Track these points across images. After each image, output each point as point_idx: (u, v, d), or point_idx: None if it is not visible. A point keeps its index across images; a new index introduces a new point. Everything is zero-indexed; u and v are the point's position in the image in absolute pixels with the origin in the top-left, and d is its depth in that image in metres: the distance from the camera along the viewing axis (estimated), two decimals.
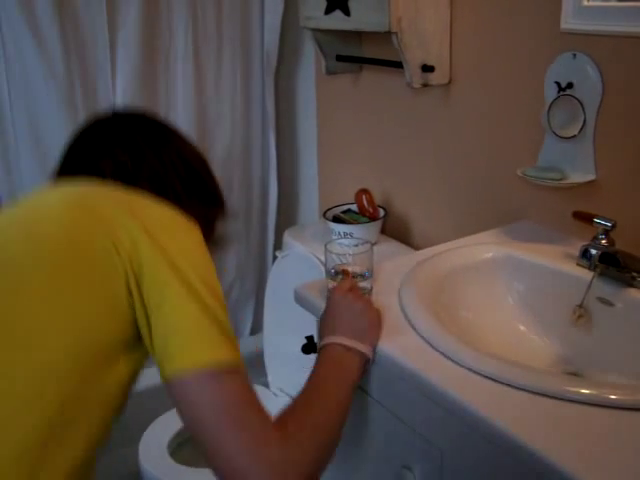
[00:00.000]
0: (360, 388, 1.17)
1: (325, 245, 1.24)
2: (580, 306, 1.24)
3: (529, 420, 0.90)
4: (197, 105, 2.18)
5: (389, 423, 1.16)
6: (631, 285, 1.19)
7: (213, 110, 2.23)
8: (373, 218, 1.97)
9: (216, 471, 0.85)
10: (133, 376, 0.95)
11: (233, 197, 2.35)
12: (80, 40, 1.95)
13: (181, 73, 2.13)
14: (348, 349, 1.07)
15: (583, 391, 0.93)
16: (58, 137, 1.97)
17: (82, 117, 1.98)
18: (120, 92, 2.03)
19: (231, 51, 2.20)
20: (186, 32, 2.09)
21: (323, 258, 1.26)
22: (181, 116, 2.16)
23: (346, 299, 1.14)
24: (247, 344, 2.47)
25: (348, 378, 1.05)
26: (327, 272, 1.24)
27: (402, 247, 1.96)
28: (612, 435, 0.87)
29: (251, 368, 2.28)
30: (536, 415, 0.91)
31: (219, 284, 0.97)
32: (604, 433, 0.87)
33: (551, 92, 1.45)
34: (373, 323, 1.12)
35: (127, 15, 1.99)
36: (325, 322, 1.14)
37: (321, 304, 1.22)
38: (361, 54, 2.01)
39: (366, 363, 1.09)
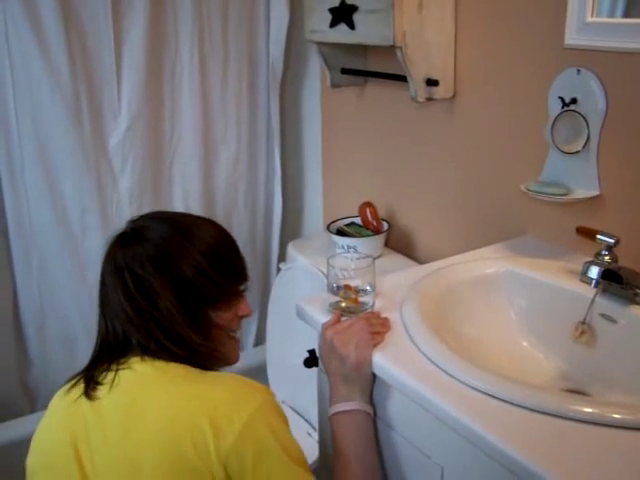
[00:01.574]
0: None
1: (327, 259, 1.24)
2: (583, 322, 1.24)
3: (531, 438, 0.90)
4: (202, 118, 2.19)
5: (389, 439, 1.16)
6: (634, 302, 1.19)
7: (218, 122, 2.23)
8: (377, 231, 1.97)
9: None
10: None
11: (238, 207, 2.36)
12: (86, 52, 1.96)
13: (187, 85, 2.14)
14: (341, 413, 1.15)
15: (586, 410, 0.92)
16: (63, 149, 1.98)
17: (87, 129, 2.00)
18: (125, 105, 2.04)
19: (237, 64, 2.21)
20: (192, 45, 2.10)
21: (326, 271, 1.26)
22: (186, 128, 2.17)
23: (327, 344, 1.17)
24: (250, 356, 2.47)
25: (364, 434, 1.15)
26: (329, 287, 1.24)
27: (405, 260, 1.96)
28: (615, 455, 0.86)
29: (254, 380, 2.27)
30: (538, 433, 0.91)
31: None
32: (607, 453, 0.87)
33: (555, 107, 1.45)
34: (356, 373, 1.14)
35: (133, 27, 2.00)
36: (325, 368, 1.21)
37: (322, 319, 1.22)
38: (366, 67, 2.02)
39: (364, 415, 1.15)
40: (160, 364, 1.09)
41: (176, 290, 1.11)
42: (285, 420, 1.08)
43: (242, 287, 1.22)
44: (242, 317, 1.23)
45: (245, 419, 1.01)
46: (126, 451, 1.02)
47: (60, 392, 1.15)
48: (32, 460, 1.14)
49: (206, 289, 1.14)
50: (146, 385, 1.08)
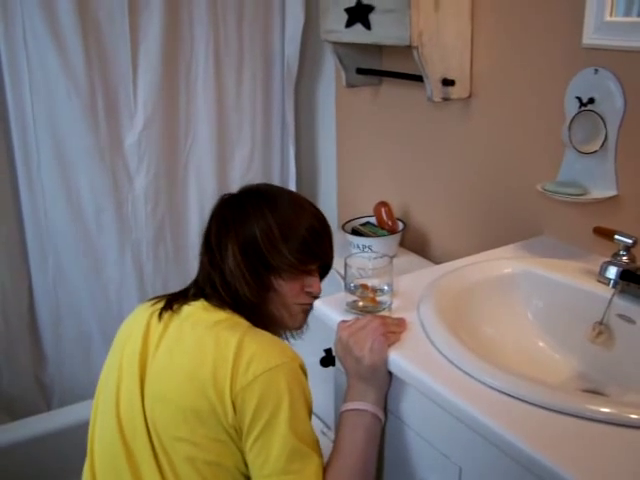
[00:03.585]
0: None
1: (345, 259, 1.24)
2: (600, 323, 1.24)
3: (549, 438, 0.89)
4: (218, 117, 2.19)
5: (407, 438, 1.16)
6: None
7: (234, 122, 2.24)
8: (392, 231, 1.97)
9: None
10: None
11: None
12: (102, 52, 1.97)
13: (202, 86, 2.14)
14: (352, 412, 1.16)
15: (604, 410, 0.92)
16: (79, 148, 1.99)
17: (103, 129, 2.01)
18: (141, 105, 2.05)
19: (252, 63, 2.22)
20: (207, 45, 2.11)
21: (342, 271, 1.27)
22: (202, 128, 2.18)
23: (342, 344, 1.18)
24: None
25: (371, 439, 1.15)
26: (347, 286, 1.24)
27: (421, 260, 1.96)
28: (633, 455, 0.86)
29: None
30: (556, 433, 0.90)
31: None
32: (625, 453, 0.86)
33: (572, 107, 1.45)
34: (371, 374, 1.14)
35: (149, 28, 2.00)
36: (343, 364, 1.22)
37: (339, 318, 1.23)
38: (381, 67, 2.02)
39: (373, 418, 1.15)
40: (209, 306, 1.24)
41: (243, 249, 1.24)
42: (305, 395, 1.14)
43: (313, 267, 1.32)
44: (309, 293, 1.32)
45: (259, 372, 1.09)
46: (169, 364, 1.18)
47: (147, 303, 1.33)
48: (119, 332, 1.33)
49: (269, 256, 1.25)
50: (193, 320, 1.22)
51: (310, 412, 1.15)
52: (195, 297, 1.27)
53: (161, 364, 1.20)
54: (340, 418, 1.17)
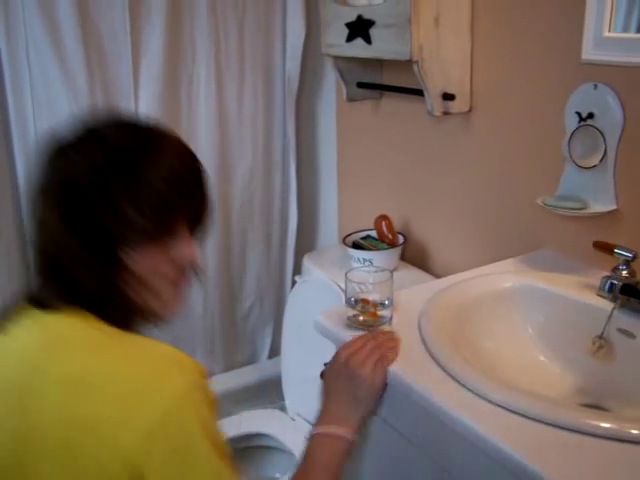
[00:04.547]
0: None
1: (345, 273, 1.25)
2: (600, 337, 1.24)
3: (549, 452, 0.90)
4: (219, 129, 2.20)
5: (406, 452, 1.16)
6: None
7: (235, 134, 2.25)
8: (392, 245, 1.97)
9: None
10: None
11: (254, 220, 2.37)
12: (104, 65, 1.98)
13: (203, 99, 2.15)
14: (332, 437, 1.09)
15: (604, 425, 0.92)
16: None
17: None
18: (142, 117, 2.05)
19: (253, 76, 2.23)
20: (208, 59, 2.12)
21: (342, 284, 1.27)
22: (203, 140, 2.18)
23: (339, 363, 1.14)
24: (265, 368, 2.48)
25: (333, 465, 1.08)
26: (347, 300, 1.25)
27: (421, 274, 1.96)
28: (633, 471, 0.86)
29: (268, 392, 2.29)
30: (556, 447, 0.91)
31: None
32: (625, 468, 0.87)
33: (572, 122, 1.45)
34: (369, 395, 1.12)
35: (150, 41, 2.02)
36: (323, 389, 1.16)
37: (341, 333, 1.23)
38: (382, 81, 2.03)
39: (350, 445, 1.11)
40: (38, 313, 0.91)
41: (65, 214, 0.88)
42: (213, 406, 0.88)
43: (179, 226, 0.94)
44: (177, 263, 0.96)
45: (161, 412, 0.81)
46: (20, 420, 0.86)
47: None
48: None
49: (106, 221, 0.87)
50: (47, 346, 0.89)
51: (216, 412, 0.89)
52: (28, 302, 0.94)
53: None
54: (317, 438, 1.10)
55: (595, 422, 0.93)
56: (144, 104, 2.06)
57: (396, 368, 1.12)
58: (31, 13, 1.84)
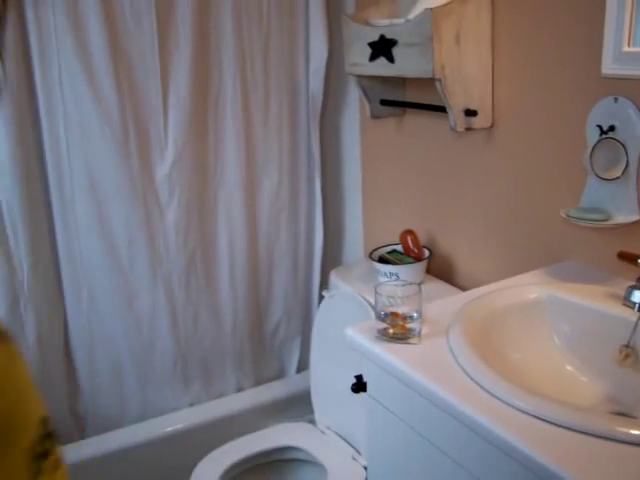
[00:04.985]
0: (402, 421, 1.19)
1: (375, 288, 1.28)
2: (627, 346, 1.26)
3: (581, 460, 0.92)
4: (245, 149, 2.24)
5: (439, 461, 1.18)
6: None
7: (261, 154, 2.29)
8: (418, 258, 2.00)
9: None
10: None
11: (281, 236, 2.41)
12: (134, 88, 2.03)
13: (230, 120, 2.20)
14: None
15: (634, 432, 0.94)
16: (112, 182, 2.06)
17: (135, 163, 2.07)
18: (172, 139, 2.10)
19: (278, 97, 2.27)
20: (234, 81, 2.17)
21: (369, 298, 1.30)
22: (230, 161, 2.23)
23: None
24: (294, 382, 2.50)
25: None
26: (377, 314, 1.28)
27: (447, 287, 1.99)
28: None
29: (298, 406, 2.31)
30: (588, 455, 0.93)
31: None
32: None
33: (593, 135, 1.48)
34: None
35: (179, 65, 2.07)
36: None
37: (371, 346, 1.26)
38: (404, 98, 2.07)
39: None
40: None
41: None
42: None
43: None
44: None
45: None
46: None
47: None
48: None
49: None
50: None
51: None
52: None
53: None
54: None
55: (625, 429, 0.95)
56: (173, 127, 2.10)
57: (427, 379, 1.14)
58: (64, 38, 1.90)
